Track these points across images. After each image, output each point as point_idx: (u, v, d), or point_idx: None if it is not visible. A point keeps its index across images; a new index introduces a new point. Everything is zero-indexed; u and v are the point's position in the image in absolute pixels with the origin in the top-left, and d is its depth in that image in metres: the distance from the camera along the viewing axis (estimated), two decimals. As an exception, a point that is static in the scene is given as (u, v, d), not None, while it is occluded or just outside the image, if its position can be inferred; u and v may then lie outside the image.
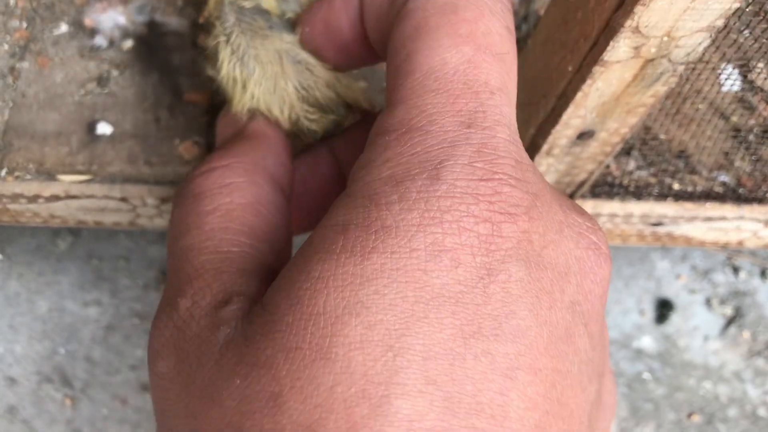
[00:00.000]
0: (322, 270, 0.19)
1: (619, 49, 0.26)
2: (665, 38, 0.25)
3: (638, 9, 0.24)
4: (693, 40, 0.26)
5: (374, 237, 0.19)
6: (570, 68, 0.28)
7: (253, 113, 0.29)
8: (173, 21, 0.38)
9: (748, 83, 0.40)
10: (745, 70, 0.40)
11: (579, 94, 0.28)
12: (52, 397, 0.48)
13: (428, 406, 0.18)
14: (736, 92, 0.40)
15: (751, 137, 0.38)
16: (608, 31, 0.25)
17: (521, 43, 0.40)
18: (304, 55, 0.28)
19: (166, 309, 0.23)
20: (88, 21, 0.37)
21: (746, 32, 0.42)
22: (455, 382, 0.18)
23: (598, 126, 0.30)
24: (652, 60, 0.26)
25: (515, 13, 0.39)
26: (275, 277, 0.24)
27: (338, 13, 0.26)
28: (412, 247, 0.19)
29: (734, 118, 0.39)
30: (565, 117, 0.29)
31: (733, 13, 0.25)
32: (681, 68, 0.27)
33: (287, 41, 0.28)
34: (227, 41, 0.28)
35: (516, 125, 0.23)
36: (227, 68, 0.28)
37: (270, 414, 0.18)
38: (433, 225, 0.19)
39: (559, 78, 0.29)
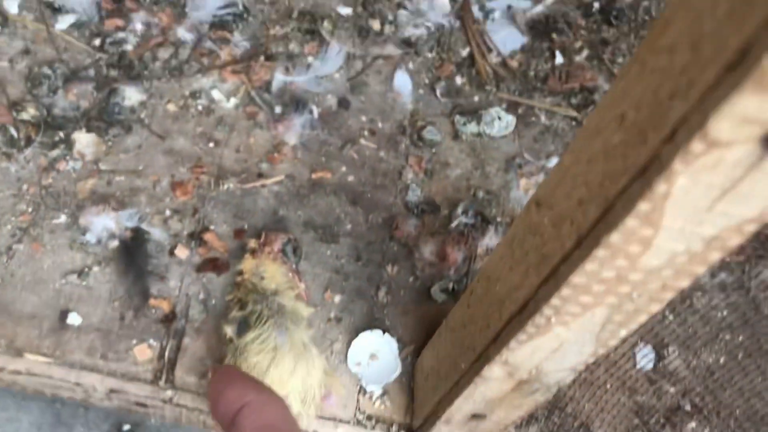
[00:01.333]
0: None
1: (495, 371, 0.30)
2: (533, 371, 0.29)
3: (504, 351, 0.28)
4: (559, 375, 0.30)
5: None
6: (463, 366, 0.32)
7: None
8: (157, 231, 0.43)
9: (661, 364, 0.43)
10: (661, 350, 0.44)
11: (467, 390, 0.32)
12: None
13: None
14: (648, 371, 0.43)
15: (653, 420, 0.42)
16: (485, 356, 0.29)
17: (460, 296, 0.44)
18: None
19: None
20: (82, 221, 0.42)
21: (670, 316, 0.46)
22: None
23: (488, 412, 0.34)
24: (525, 381, 0.30)
25: (457, 270, 0.44)
26: None
27: None
28: None
29: (640, 397, 0.42)
30: (458, 402, 0.33)
31: (593, 363, 0.29)
32: (555, 388, 0.31)
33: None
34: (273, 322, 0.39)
35: None
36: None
37: None
38: None
39: (455, 370, 0.33)
